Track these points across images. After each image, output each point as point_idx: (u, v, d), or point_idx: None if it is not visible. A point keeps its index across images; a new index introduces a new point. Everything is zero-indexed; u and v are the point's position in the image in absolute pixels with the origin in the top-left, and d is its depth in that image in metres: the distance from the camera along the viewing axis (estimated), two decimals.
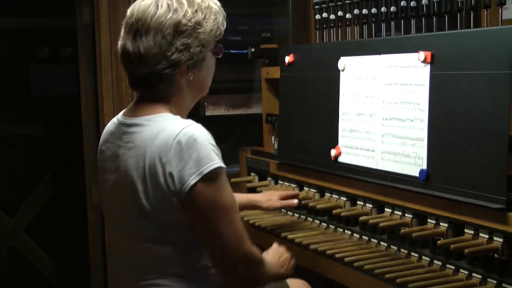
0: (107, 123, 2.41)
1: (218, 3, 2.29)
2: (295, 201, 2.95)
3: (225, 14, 2.30)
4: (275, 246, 2.54)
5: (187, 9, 2.16)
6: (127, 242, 2.24)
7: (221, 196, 2.10)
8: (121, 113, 2.33)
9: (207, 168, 2.06)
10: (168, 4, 2.16)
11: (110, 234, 2.41)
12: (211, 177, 2.07)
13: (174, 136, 2.07)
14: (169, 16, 2.14)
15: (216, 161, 2.08)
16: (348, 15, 3.00)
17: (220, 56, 2.33)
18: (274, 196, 2.95)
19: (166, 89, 2.20)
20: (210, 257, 2.19)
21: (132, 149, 2.15)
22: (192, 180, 2.05)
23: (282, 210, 3.16)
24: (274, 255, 2.48)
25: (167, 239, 2.16)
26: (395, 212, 2.54)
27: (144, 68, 2.15)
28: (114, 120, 2.34)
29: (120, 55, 2.23)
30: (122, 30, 2.22)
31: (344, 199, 2.83)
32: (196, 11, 2.18)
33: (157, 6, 2.15)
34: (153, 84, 2.18)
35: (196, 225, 2.13)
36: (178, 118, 2.18)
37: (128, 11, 2.20)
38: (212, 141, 2.11)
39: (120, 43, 2.22)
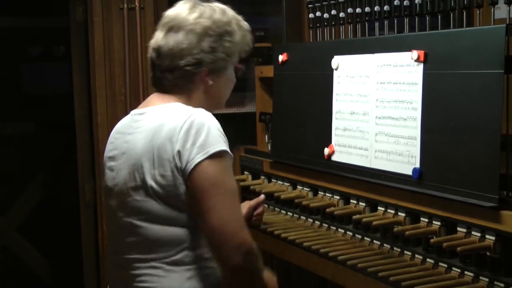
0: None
1: (248, 27, 2.44)
2: (262, 196, 2.94)
3: (253, 38, 2.47)
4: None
5: (219, 18, 2.33)
6: (126, 225, 2.26)
7: (224, 179, 2.15)
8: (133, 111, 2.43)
9: (213, 149, 2.13)
10: (202, 10, 2.33)
11: (110, 224, 2.41)
12: (217, 158, 2.14)
13: (185, 119, 2.16)
14: (202, 20, 2.30)
15: (222, 144, 2.16)
16: (341, 14, 3.01)
17: (239, 75, 2.47)
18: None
19: (184, 86, 2.31)
20: (208, 241, 2.18)
21: (141, 132, 2.24)
22: (198, 158, 2.12)
23: (275, 209, 3.16)
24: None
25: (171, 220, 2.20)
26: (388, 210, 2.55)
27: (169, 61, 2.29)
28: (127, 115, 2.42)
29: (150, 52, 2.36)
30: (156, 31, 2.37)
31: (338, 197, 2.83)
32: (228, 23, 2.35)
33: (193, 11, 2.33)
34: (174, 79, 2.31)
35: (196, 206, 2.14)
36: (189, 106, 2.27)
37: (164, 14, 2.37)
38: (220, 128, 2.20)
39: (152, 40, 2.37)
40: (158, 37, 2.33)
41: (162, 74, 2.32)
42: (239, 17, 2.41)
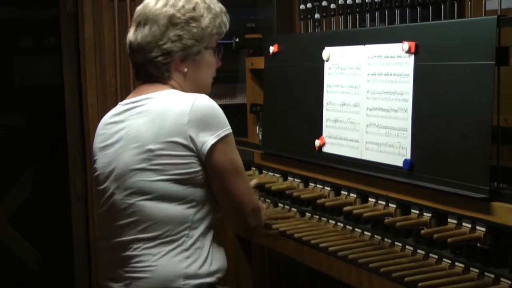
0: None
1: (223, 8, 2.50)
2: (253, 181, 2.97)
3: (228, 18, 2.51)
4: None
5: (183, 5, 2.38)
6: (125, 207, 2.30)
7: (236, 155, 2.35)
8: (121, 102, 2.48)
9: (223, 132, 2.29)
10: (166, 0, 2.38)
11: (101, 209, 2.42)
12: (227, 139, 2.30)
13: (191, 104, 2.27)
14: (165, 9, 2.36)
15: (228, 127, 2.32)
16: (332, 5, 3.00)
17: (219, 56, 2.54)
18: None
19: (160, 76, 2.39)
20: (226, 213, 2.42)
21: (143, 116, 2.31)
22: (212, 141, 2.26)
23: (266, 200, 3.16)
24: None
25: (179, 197, 2.29)
26: (379, 202, 2.55)
27: (140, 55, 2.38)
28: (116, 106, 2.47)
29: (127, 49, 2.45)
30: (130, 27, 2.46)
31: (328, 189, 2.83)
32: (194, 8, 2.38)
33: (157, 1, 2.39)
34: (149, 72, 2.39)
35: (214, 184, 2.33)
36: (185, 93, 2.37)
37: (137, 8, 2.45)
38: (221, 110, 2.33)
39: (127, 38, 2.45)
40: (130, 33, 2.42)
41: (140, 68, 2.41)
42: (210, 0, 2.45)
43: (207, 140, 2.26)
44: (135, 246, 2.29)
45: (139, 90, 2.42)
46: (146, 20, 2.37)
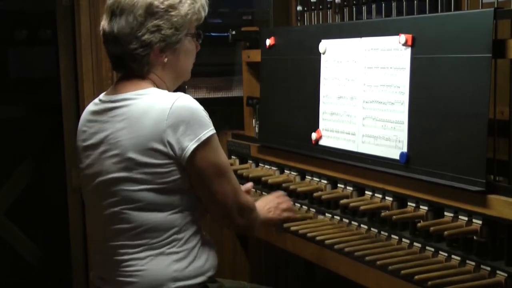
0: (87, 106, 2.43)
1: None
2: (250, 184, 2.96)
3: (205, 1, 2.37)
4: (269, 195, 2.76)
5: None
6: (112, 214, 2.26)
7: (219, 158, 2.25)
8: (102, 94, 2.39)
9: (204, 135, 2.19)
10: None
11: (90, 212, 2.41)
12: (208, 142, 2.21)
13: (169, 107, 2.17)
14: None
15: (210, 127, 2.22)
16: None
17: (200, 42, 2.41)
18: None
19: (140, 70, 2.28)
20: (211, 214, 2.35)
21: (123, 121, 2.22)
22: (192, 146, 2.17)
23: (263, 193, 3.16)
24: (262, 201, 2.65)
25: (163, 206, 2.24)
26: (376, 195, 2.55)
27: (118, 48, 2.26)
28: (95, 101, 2.39)
29: (101, 37, 2.32)
30: (103, 15, 2.31)
31: (325, 182, 2.83)
32: None
33: None
34: (127, 65, 2.28)
35: (197, 188, 2.26)
36: (166, 92, 2.28)
37: None
38: (204, 110, 2.24)
39: (100, 25, 2.31)
40: (104, 22, 2.28)
41: (117, 60, 2.29)
42: None
43: (187, 145, 2.17)
44: (124, 251, 2.26)
45: (118, 87, 2.31)
46: (122, 9, 2.22)
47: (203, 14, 2.36)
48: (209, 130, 2.21)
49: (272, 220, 2.64)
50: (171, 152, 2.17)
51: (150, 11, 2.22)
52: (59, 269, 4.77)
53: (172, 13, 2.25)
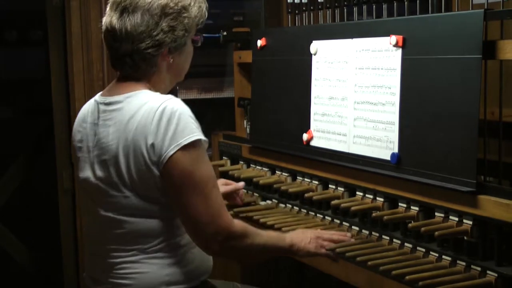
0: (78, 107, 2.44)
1: None
2: (241, 183, 2.96)
3: (207, 5, 2.38)
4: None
5: None
6: (105, 219, 2.26)
7: (198, 169, 2.15)
8: (98, 94, 2.38)
9: (186, 140, 2.12)
10: None
11: (85, 214, 2.41)
12: (190, 149, 2.13)
13: (155, 109, 2.14)
14: None
15: (195, 133, 2.15)
16: None
17: (199, 45, 2.41)
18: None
19: (146, 69, 2.26)
20: (186, 230, 2.24)
21: (113, 125, 2.21)
22: (171, 151, 2.11)
23: (254, 194, 3.16)
24: (298, 232, 2.50)
25: (149, 213, 2.21)
26: (367, 195, 2.56)
27: (129, 45, 2.21)
28: (91, 101, 2.38)
29: (104, 32, 2.28)
30: (108, 8, 2.27)
31: (316, 182, 2.83)
32: None
33: None
34: (135, 63, 2.24)
35: (171, 197, 2.18)
36: (157, 93, 2.24)
37: None
38: (192, 115, 2.18)
39: (105, 19, 2.27)
40: (113, 18, 2.23)
41: (122, 58, 2.25)
42: None
43: (166, 150, 2.11)
44: (117, 254, 2.25)
45: (112, 88, 2.31)
46: (136, 7, 2.20)
47: (205, 18, 2.38)
48: (193, 135, 2.14)
49: (309, 252, 2.44)
50: (152, 156, 2.13)
51: (165, 11, 2.22)
52: (49, 270, 4.75)
53: (185, 15, 2.26)
